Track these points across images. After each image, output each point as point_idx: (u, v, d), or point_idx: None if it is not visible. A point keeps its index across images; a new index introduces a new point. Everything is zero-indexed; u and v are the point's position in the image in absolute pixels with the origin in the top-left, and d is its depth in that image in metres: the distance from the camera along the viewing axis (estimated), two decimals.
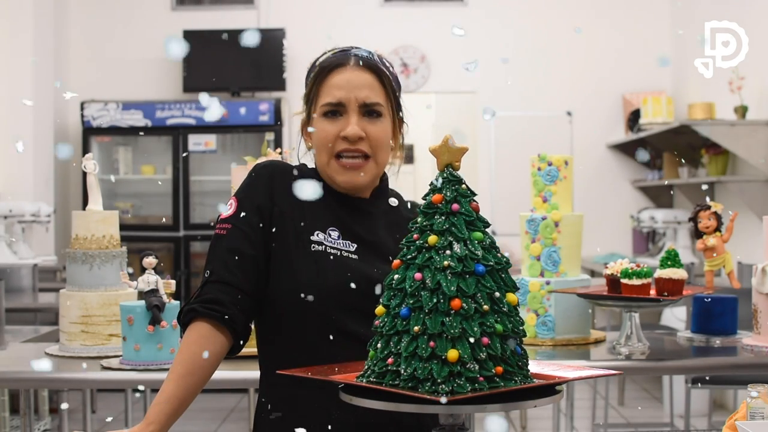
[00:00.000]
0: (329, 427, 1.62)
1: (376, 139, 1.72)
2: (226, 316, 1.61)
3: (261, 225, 1.69)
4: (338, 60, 1.74)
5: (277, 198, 1.71)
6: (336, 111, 1.72)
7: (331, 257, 1.67)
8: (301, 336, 1.66)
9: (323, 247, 1.68)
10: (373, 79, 1.73)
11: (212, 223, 1.80)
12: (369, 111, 1.72)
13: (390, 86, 1.76)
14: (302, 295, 1.64)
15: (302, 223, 1.69)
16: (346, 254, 1.69)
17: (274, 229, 1.68)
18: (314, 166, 1.80)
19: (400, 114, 1.80)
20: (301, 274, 1.66)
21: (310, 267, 1.66)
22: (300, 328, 1.66)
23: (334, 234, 1.71)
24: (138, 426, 1.51)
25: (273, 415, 1.68)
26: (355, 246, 1.71)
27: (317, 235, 1.69)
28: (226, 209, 1.73)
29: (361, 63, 1.73)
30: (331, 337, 1.63)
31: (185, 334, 1.62)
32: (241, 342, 1.66)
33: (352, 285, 1.62)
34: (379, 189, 1.81)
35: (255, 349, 1.78)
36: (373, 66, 1.74)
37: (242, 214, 1.70)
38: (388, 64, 1.78)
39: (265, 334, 1.74)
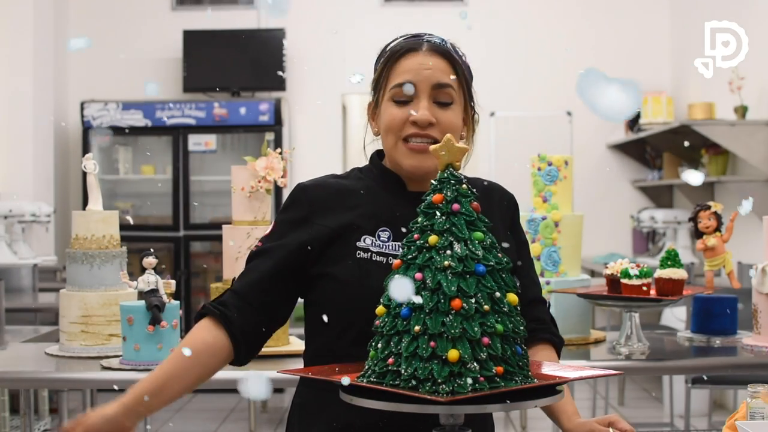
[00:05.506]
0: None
1: (447, 126, 1.65)
2: (224, 315, 1.59)
3: (288, 252, 1.64)
4: (410, 45, 1.68)
5: (319, 216, 1.66)
6: (406, 99, 1.65)
7: (377, 265, 1.61)
8: (342, 343, 1.61)
9: (369, 254, 1.62)
10: (446, 64, 1.67)
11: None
12: (440, 101, 1.66)
13: (463, 74, 1.69)
14: (344, 306, 1.60)
15: (348, 230, 1.64)
16: (393, 260, 1.60)
17: (313, 247, 1.63)
18: (363, 166, 1.75)
19: (472, 104, 1.75)
20: (345, 283, 1.61)
21: (354, 276, 1.61)
22: (341, 336, 1.62)
23: (384, 236, 1.64)
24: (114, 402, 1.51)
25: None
26: None
27: (364, 240, 1.63)
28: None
29: (434, 49, 1.67)
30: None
31: None
32: (243, 349, 1.61)
33: None
34: None
35: None
36: (446, 52, 1.68)
37: (274, 234, 1.68)
38: (461, 53, 1.72)
39: (309, 336, 1.72)
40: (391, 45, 1.71)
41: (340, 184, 1.71)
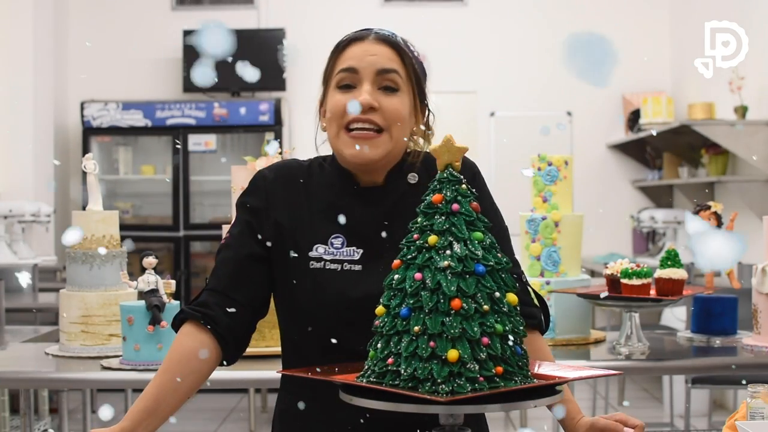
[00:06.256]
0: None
1: (390, 112, 1.60)
2: (207, 316, 1.58)
3: (256, 237, 1.63)
4: (357, 35, 1.67)
5: (274, 210, 1.64)
6: (350, 84, 1.62)
7: (331, 273, 1.59)
8: (310, 352, 1.60)
9: (322, 263, 1.59)
10: (393, 53, 1.64)
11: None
12: (386, 87, 1.62)
13: (411, 66, 1.65)
14: (302, 318, 1.60)
15: (301, 237, 1.62)
16: (348, 266, 1.59)
17: (271, 244, 1.62)
18: (325, 157, 1.72)
19: (425, 101, 1.70)
20: (300, 295, 1.60)
21: (308, 289, 1.59)
22: (307, 345, 1.62)
23: (337, 242, 1.60)
24: (115, 425, 1.50)
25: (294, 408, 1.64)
26: (361, 252, 1.60)
27: (316, 249, 1.60)
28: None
29: (380, 38, 1.65)
30: (335, 357, 1.51)
31: None
32: (231, 347, 1.61)
33: (352, 303, 1.53)
34: (395, 169, 1.67)
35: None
36: (394, 42, 1.65)
37: (236, 225, 1.67)
38: (412, 48, 1.68)
39: (282, 345, 1.72)
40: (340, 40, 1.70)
41: (298, 180, 1.68)
